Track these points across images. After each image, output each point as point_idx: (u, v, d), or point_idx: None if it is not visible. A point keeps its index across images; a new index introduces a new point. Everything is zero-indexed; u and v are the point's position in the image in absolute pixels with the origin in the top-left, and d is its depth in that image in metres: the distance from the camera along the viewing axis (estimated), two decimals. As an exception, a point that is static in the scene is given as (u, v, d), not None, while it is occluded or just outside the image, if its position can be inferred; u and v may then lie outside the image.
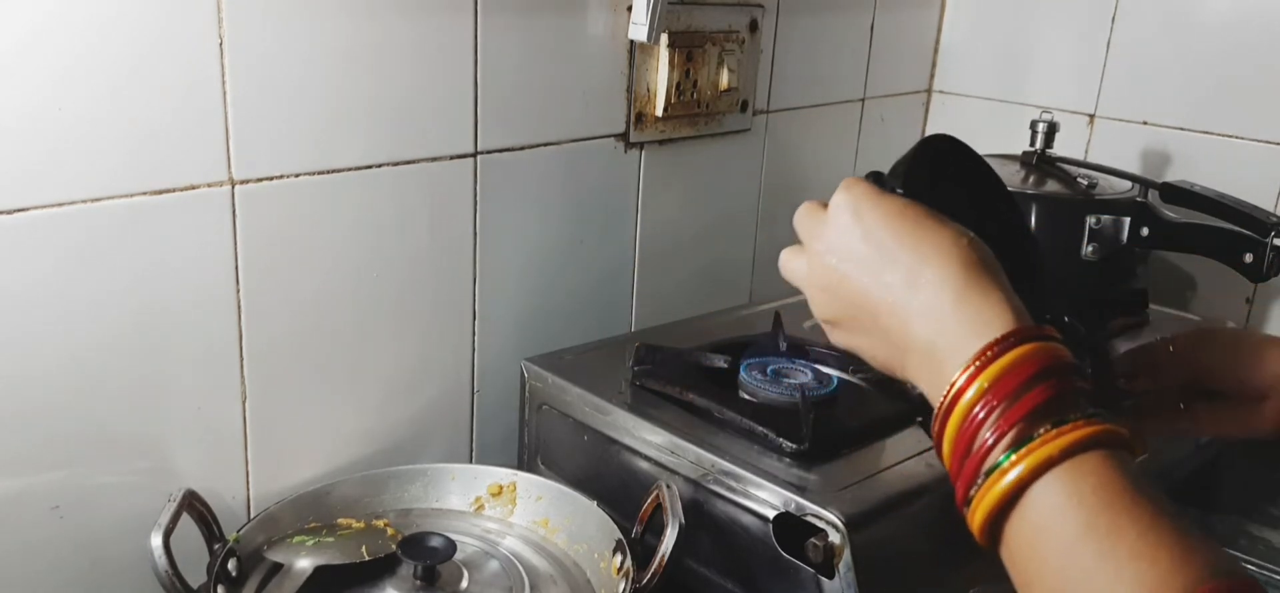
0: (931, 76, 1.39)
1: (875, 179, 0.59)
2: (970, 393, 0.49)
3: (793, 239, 0.61)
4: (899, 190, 0.58)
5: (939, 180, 0.60)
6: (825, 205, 0.58)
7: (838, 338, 0.59)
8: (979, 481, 0.48)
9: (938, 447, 0.51)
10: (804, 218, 0.60)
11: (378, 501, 0.84)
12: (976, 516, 0.48)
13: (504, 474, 0.86)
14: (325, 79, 0.78)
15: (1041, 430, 0.47)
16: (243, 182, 0.75)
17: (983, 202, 0.64)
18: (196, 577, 0.69)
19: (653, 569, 0.71)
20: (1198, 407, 0.72)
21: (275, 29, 0.74)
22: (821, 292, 0.58)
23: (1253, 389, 0.69)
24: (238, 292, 0.77)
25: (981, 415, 0.48)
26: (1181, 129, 1.19)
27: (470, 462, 0.96)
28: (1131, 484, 0.46)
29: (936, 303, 0.52)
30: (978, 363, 0.49)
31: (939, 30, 1.38)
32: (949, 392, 0.50)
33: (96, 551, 0.75)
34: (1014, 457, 0.47)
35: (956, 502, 0.50)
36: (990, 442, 0.48)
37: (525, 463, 0.93)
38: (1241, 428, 0.71)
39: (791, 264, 0.61)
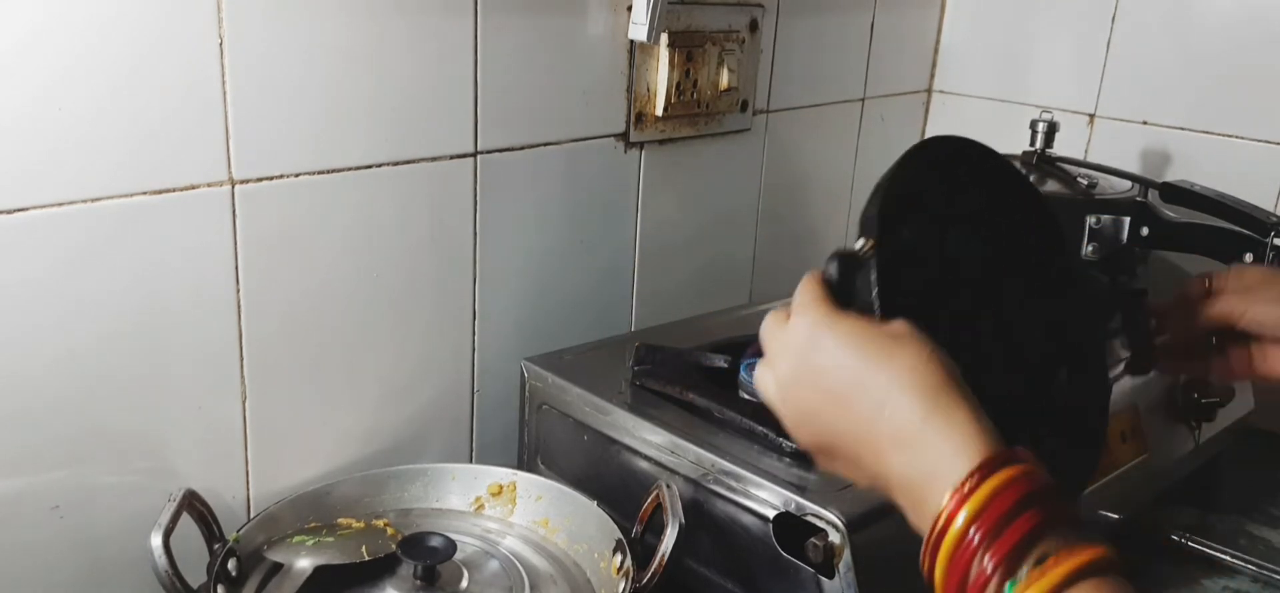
0: (931, 76, 1.39)
1: (843, 264, 0.57)
2: (960, 520, 0.48)
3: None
4: (867, 252, 0.56)
5: (919, 218, 0.59)
6: (789, 317, 0.57)
7: (822, 464, 0.59)
8: None
9: (928, 577, 0.50)
10: (769, 333, 0.59)
11: (378, 501, 0.84)
12: None
13: (504, 474, 0.86)
14: (325, 79, 0.78)
15: (1026, 570, 0.46)
16: (242, 181, 0.75)
17: (987, 207, 0.63)
18: (196, 577, 0.69)
19: (653, 569, 0.71)
20: (1231, 348, 0.72)
21: (275, 29, 0.74)
22: (793, 419, 0.58)
23: None
24: (237, 291, 0.77)
25: (976, 541, 0.47)
26: (1181, 129, 1.19)
27: (470, 462, 0.96)
28: None
29: (905, 431, 0.51)
30: (959, 494, 0.48)
31: (939, 30, 1.38)
32: (937, 522, 0.49)
33: (96, 551, 0.75)
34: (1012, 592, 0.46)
35: None
36: (988, 571, 0.47)
37: (525, 463, 0.93)
38: (1275, 370, 0.71)
39: (763, 381, 0.59)
